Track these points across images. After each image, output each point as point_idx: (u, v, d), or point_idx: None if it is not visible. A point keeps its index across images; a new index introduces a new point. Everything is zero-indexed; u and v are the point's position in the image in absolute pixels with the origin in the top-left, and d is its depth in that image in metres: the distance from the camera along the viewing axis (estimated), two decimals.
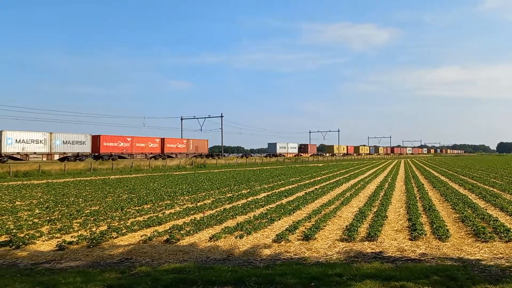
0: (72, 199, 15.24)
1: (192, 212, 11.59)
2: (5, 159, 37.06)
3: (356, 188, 18.59)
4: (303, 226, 9.40)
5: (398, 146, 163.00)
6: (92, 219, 10.66)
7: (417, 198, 14.38)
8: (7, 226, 9.66)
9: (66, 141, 42.59)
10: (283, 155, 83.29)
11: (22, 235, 8.62)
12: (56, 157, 41.69)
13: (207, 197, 15.67)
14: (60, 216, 11.09)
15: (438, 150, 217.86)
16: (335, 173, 31.63)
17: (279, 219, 10.37)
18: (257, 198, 14.90)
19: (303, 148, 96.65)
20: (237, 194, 16.59)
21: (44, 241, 8.30)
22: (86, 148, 44.88)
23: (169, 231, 8.92)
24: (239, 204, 13.22)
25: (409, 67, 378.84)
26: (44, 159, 39.95)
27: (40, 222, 10.23)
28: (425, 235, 8.24)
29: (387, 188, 18.37)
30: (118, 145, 49.08)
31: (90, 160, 43.43)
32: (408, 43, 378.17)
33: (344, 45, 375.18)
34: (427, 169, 36.40)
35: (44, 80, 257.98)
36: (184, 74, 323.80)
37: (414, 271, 5.76)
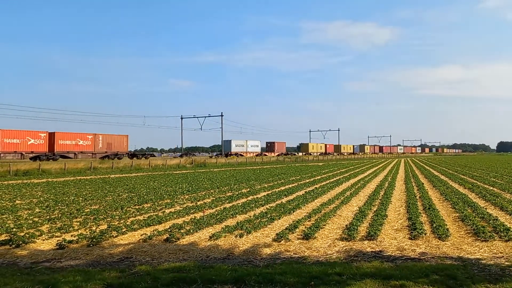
0: (72, 198, 15.24)
1: (192, 211, 11.58)
2: None
3: (356, 187, 18.59)
4: (303, 225, 9.40)
5: (388, 145, 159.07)
6: (92, 218, 10.66)
7: (417, 197, 14.37)
8: (7, 225, 9.66)
9: None
10: (241, 155, 72.96)
11: (22, 234, 8.62)
12: None
13: (207, 196, 15.67)
14: (60, 215, 11.10)
15: (434, 149, 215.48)
16: (335, 172, 31.73)
17: (279, 218, 10.37)
18: (257, 197, 14.90)
19: (269, 147, 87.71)
20: (237, 193, 16.59)
21: (44, 240, 8.30)
22: None
23: (169, 230, 8.92)
24: (239, 203, 13.22)
25: (409, 66, 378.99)
26: None
27: (40, 221, 10.24)
28: (425, 234, 8.24)
29: (387, 187, 18.37)
30: None
31: (90, 159, 43.35)
32: (409, 41, 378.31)
33: (345, 44, 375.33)
34: (427, 168, 36.42)
35: None
36: (184, 73, 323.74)
37: (414, 270, 5.76)
